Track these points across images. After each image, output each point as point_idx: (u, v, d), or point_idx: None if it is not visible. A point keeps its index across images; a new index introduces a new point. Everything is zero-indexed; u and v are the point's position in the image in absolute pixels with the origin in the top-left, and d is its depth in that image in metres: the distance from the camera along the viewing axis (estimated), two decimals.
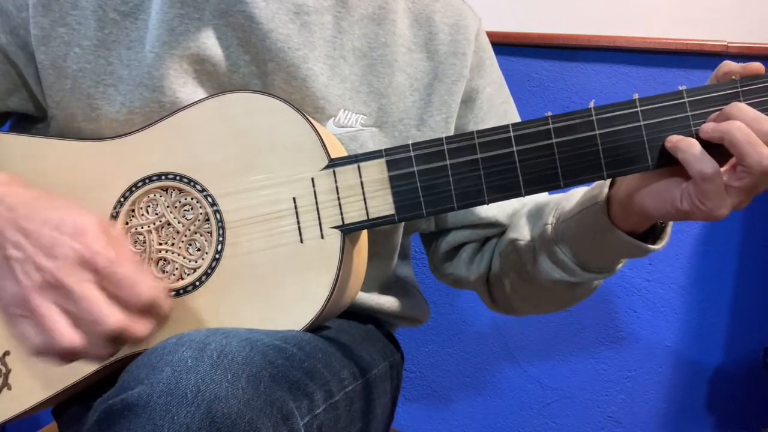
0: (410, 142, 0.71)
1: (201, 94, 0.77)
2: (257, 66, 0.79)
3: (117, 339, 0.61)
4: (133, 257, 0.64)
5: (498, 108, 0.91)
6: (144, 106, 0.76)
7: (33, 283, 0.61)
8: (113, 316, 0.60)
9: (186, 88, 0.77)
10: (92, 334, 0.60)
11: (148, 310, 0.63)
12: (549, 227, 0.80)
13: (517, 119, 0.94)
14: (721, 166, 0.65)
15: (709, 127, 0.66)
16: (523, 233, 0.85)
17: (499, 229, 0.90)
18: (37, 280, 0.61)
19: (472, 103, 0.88)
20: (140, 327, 0.63)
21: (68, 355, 0.61)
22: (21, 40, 0.77)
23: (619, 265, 0.81)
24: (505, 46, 1.43)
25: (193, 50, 0.77)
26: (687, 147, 0.65)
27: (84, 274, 0.61)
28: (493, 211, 0.88)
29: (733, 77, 0.67)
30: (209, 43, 0.77)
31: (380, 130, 0.83)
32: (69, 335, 0.60)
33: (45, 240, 0.62)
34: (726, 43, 1.40)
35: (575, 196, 0.80)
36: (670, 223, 0.76)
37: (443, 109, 0.85)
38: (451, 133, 0.87)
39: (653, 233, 0.76)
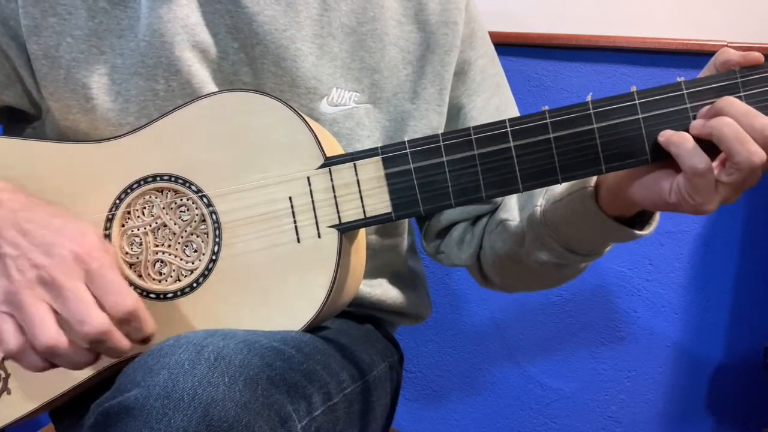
0: (404, 116, 0.70)
1: (193, 81, 0.77)
2: (246, 53, 0.79)
3: (98, 345, 0.61)
4: (119, 272, 0.63)
5: (491, 80, 0.90)
6: (139, 95, 0.76)
7: (25, 279, 0.61)
8: (99, 319, 0.60)
9: (179, 76, 0.77)
10: (75, 336, 0.60)
11: (129, 323, 0.62)
12: (538, 209, 0.80)
13: (509, 94, 0.94)
14: (712, 160, 0.64)
15: (698, 124, 0.65)
16: (513, 214, 0.85)
17: (490, 206, 0.90)
18: (31, 276, 0.61)
19: (464, 75, 0.88)
20: (121, 338, 0.62)
21: (47, 353, 0.60)
22: (12, 30, 0.76)
23: (607, 248, 0.81)
24: (505, 46, 1.42)
25: (183, 38, 0.77)
26: (680, 141, 0.64)
27: (76, 272, 0.61)
28: None
29: (733, 68, 0.65)
30: (198, 30, 0.77)
31: (374, 106, 0.83)
32: (53, 332, 0.59)
33: (44, 239, 0.62)
34: (726, 43, 1.39)
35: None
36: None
37: (436, 81, 0.85)
38: (445, 105, 0.86)
39: (641, 219, 0.76)
